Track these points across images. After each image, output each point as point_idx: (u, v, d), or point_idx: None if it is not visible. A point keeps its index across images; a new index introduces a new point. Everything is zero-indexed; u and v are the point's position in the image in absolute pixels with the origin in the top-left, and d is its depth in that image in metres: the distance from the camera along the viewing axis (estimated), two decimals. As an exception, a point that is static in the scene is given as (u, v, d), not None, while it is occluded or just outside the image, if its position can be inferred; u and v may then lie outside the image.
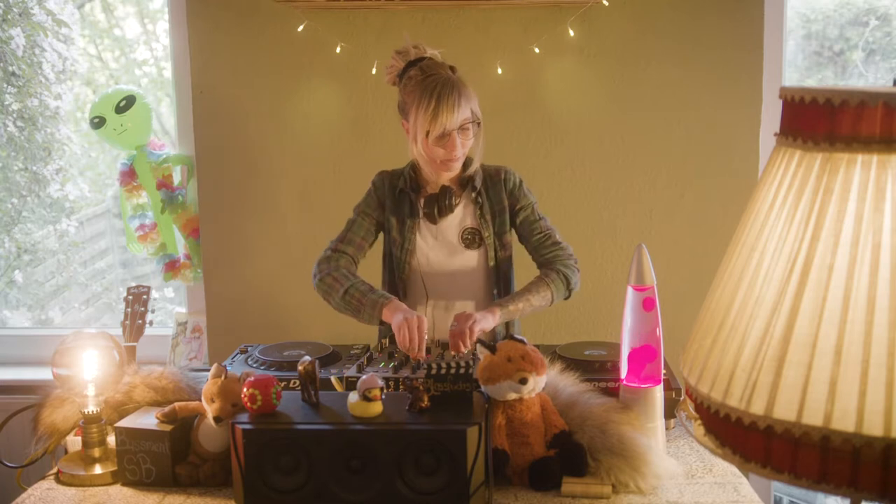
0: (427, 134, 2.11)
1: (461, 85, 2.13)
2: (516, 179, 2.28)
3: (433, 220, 2.24)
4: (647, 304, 1.77)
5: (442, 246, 2.27)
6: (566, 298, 2.25)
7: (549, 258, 2.25)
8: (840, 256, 0.78)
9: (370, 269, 2.39)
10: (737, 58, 2.91)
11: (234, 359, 2.12)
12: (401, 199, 2.28)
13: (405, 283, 2.28)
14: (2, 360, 3.34)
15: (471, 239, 2.26)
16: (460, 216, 2.27)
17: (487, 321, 2.07)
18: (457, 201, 2.24)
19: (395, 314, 2.06)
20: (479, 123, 2.17)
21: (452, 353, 2.03)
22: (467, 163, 2.24)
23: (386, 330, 2.32)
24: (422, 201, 2.25)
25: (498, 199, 2.26)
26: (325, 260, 2.25)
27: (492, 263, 2.26)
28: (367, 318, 2.14)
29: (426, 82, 2.12)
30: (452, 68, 2.20)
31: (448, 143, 2.12)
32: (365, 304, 2.13)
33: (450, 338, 2.04)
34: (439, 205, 2.22)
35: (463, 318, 2.05)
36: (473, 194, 2.26)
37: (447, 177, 2.23)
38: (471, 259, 2.27)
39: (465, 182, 2.26)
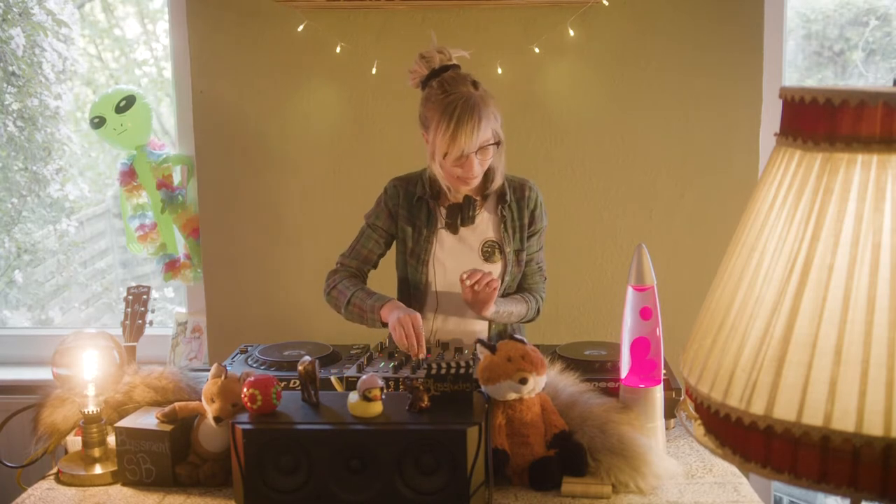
0: (445, 155, 2.09)
1: (482, 105, 2.08)
2: (539, 199, 2.28)
3: (454, 230, 2.22)
4: (645, 314, 1.76)
5: (461, 257, 2.24)
6: (527, 322, 2.38)
7: (533, 287, 2.33)
8: (840, 256, 0.78)
9: (386, 275, 2.40)
10: (737, 58, 2.91)
11: (234, 359, 2.12)
12: (418, 207, 2.25)
13: (418, 291, 2.26)
14: (2, 360, 3.34)
15: (490, 252, 2.23)
16: (483, 227, 2.24)
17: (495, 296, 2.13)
18: (478, 212, 2.22)
19: (392, 313, 2.08)
20: (499, 143, 2.14)
21: (464, 276, 2.06)
22: (490, 175, 2.20)
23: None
24: (444, 210, 2.23)
25: (520, 215, 2.25)
26: (331, 273, 2.31)
27: (507, 278, 2.24)
28: (371, 322, 2.18)
29: (446, 101, 2.07)
30: (475, 83, 2.13)
31: (466, 164, 2.09)
32: (366, 310, 2.16)
33: (467, 277, 2.07)
34: (462, 215, 2.20)
35: (485, 275, 2.08)
36: (500, 206, 2.24)
37: (466, 189, 2.21)
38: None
39: (487, 193, 2.24)
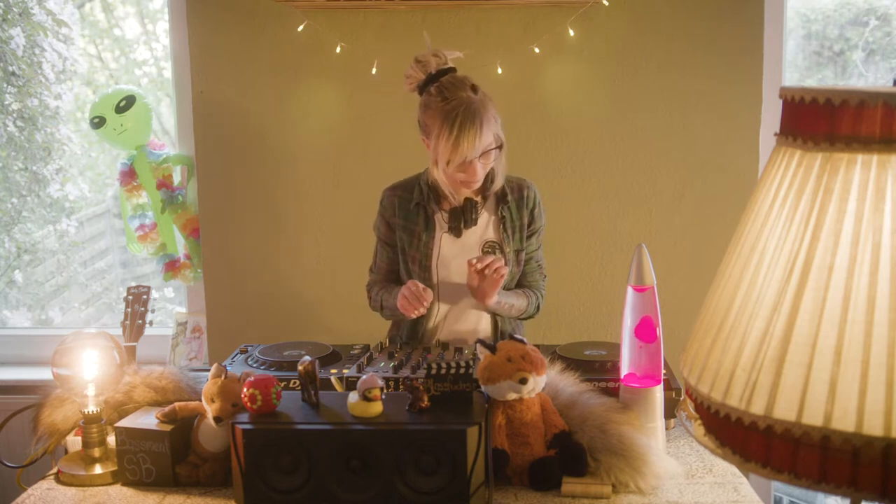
0: (448, 162, 2.08)
1: (483, 109, 2.06)
2: (537, 198, 2.29)
3: (458, 233, 2.22)
4: (645, 323, 1.77)
5: (462, 258, 2.23)
6: (527, 319, 2.39)
7: (532, 284, 2.35)
8: (840, 256, 0.78)
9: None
10: (737, 58, 2.91)
11: (234, 359, 2.12)
12: (415, 213, 2.25)
13: None
14: (2, 360, 3.34)
15: (491, 252, 2.23)
16: (483, 228, 2.25)
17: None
18: (480, 213, 2.23)
19: (399, 296, 2.17)
20: (501, 146, 2.14)
21: (473, 261, 2.09)
22: (491, 176, 2.20)
23: (388, 329, 2.34)
24: (445, 214, 2.23)
25: (519, 215, 2.26)
26: (367, 287, 2.39)
27: (506, 278, 2.22)
28: (401, 317, 2.24)
29: (447, 108, 2.06)
30: (474, 87, 2.11)
31: (469, 169, 2.10)
32: (395, 309, 2.21)
33: (477, 261, 2.10)
34: (465, 217, 2.20)
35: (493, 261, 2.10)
36: (500, 207, 2.24)
37: (467, 191, 2.21)
38: None
39: (487, 194, 2.24)
